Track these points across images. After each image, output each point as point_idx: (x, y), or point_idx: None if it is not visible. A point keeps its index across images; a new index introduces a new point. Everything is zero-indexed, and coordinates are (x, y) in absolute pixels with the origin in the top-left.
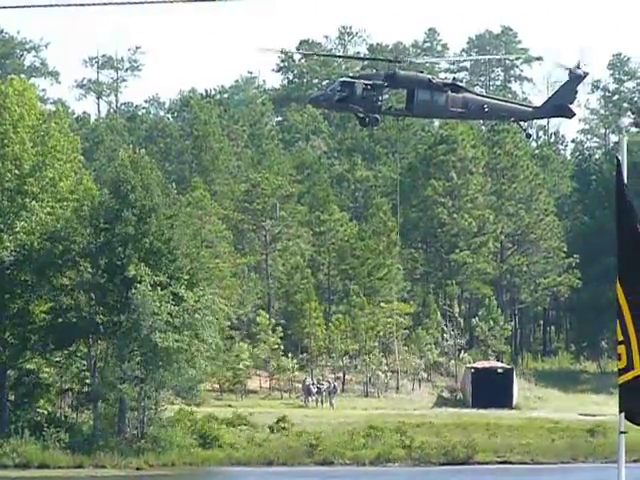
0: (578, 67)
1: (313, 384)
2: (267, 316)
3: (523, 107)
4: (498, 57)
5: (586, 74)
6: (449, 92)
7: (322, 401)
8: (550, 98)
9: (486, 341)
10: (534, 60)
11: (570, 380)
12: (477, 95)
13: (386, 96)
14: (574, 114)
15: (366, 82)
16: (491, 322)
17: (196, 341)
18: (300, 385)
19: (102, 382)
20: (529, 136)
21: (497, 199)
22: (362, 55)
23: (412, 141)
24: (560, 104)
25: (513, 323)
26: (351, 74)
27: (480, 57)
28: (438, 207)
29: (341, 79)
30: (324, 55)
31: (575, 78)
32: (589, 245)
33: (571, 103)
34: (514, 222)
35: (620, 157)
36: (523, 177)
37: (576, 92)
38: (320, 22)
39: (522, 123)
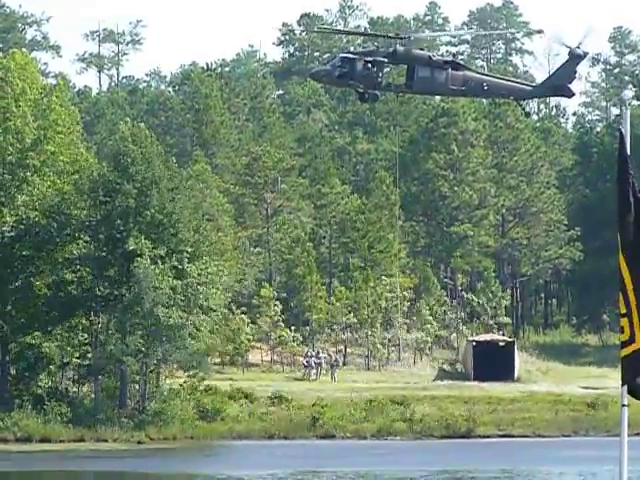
0: (578, 47)
1: (311, 357)
2: (271, 289)
3: (523, 86)
4: (498, 32)
5: (586, 54)
6: (449, 70)
7: (319, 373)
8: (550, 77)
9: (486, 314)
10: (535, 33)
11: (572, 353)
12: (477, 73)
13: (387, 69)
14: (573, 94)
15: (367, 59)
16: (490, 294)
17: (200, 315)
18: (301, 358)
19: (104, 355)
20: (528, 115)
21: (498, 172)
22: (362, 28)
23: (413, 114)
24: (559, 84)
25: (514, 296)
26: (352, 48)
27: (480, 32)
28: (439, 180)
29: (342, 55)
30: (323, 31)
31: (575, 58)
32: (590, 218)
33: (570, 83)
34: (515, 195)
35: (623, 130)
36: (524, 150)
37: (575, 72)
38: None
39: (521, 102)
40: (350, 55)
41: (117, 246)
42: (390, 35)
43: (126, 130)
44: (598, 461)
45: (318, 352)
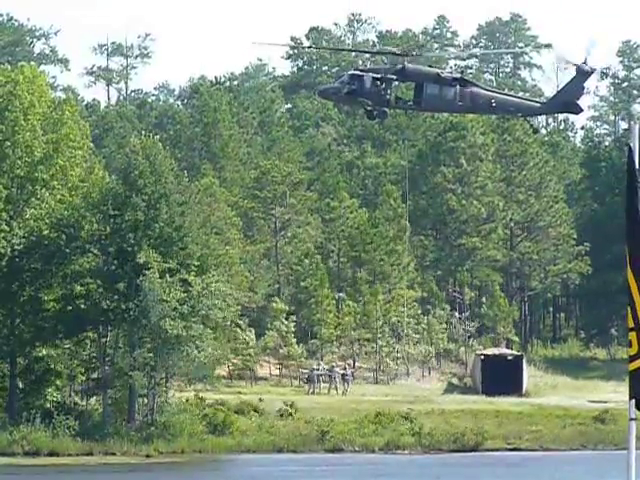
0: (585, 63)
1: (312, 370)
2: (282, 303)
3: (531, 102)
4: (505, 52)
5: (594, 70)
6: (457, 87)
7: (329, 388)
8: (557, 94)
9: (494, 328)
10: (543, 48)
11: (580, 367)
12: (485, 90)
13: (395, 83)
14: (582, 110)
15: (375, 75)
16: (496, 309)
17: (206, 328)
18: (304, 371)
19: (112, 369)
20: (536, 131)
21: (507, 186)
22: (371, 42)
23: (421, 128)
24: (568, 100)
25: (523, 310)
26: (360, 62)
27: (488, 52)
28: (447, 194)
29: (350, 72)
30: (330, 49)
31: (582, 74)
32: (599, 232)
33: (578, 99)
34: (524, 209)
35: (632, 144)
36: (533, 164)
37: (583, 88)
38: (329, 9)
39: (529, 118)
40: (358, 72)
41: (126, 259)
42: (394, 52)
43: (137, 143)
44: (605, 475)
45: (333, 366)
